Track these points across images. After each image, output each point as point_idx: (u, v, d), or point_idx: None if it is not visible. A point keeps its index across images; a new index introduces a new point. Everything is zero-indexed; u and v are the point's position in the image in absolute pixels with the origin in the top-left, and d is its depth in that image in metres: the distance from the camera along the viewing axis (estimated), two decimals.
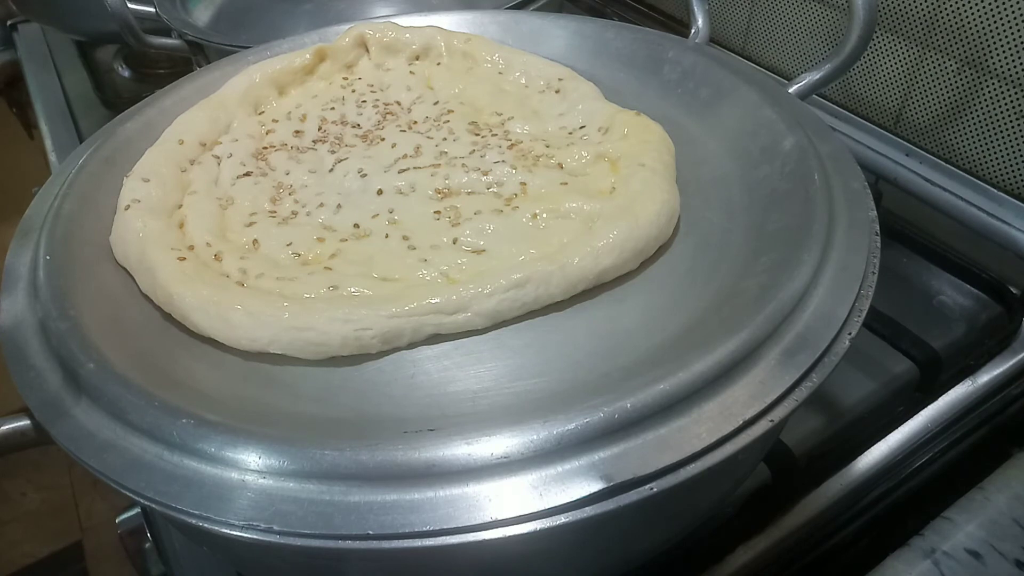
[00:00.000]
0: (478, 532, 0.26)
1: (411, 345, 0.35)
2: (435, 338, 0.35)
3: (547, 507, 0.26)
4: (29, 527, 0.55)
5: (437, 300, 0.34)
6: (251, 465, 0.27)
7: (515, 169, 0.42)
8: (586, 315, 0.36)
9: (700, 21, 0.57)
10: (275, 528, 0.26)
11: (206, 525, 0.26)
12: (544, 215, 0.39)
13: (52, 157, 0.77)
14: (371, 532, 0.25)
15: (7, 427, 0.31)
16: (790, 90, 0.48)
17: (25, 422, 0.31)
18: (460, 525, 0.26)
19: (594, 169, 0.43)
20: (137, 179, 0.42)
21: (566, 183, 0.41)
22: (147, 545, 0.44)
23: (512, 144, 0.45)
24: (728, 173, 0.43)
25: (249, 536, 0.26)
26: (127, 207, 0.40)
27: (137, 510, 0.44)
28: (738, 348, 0.30)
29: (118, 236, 0.39)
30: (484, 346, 0.35)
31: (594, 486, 0.26)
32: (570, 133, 0.46)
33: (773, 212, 0.38)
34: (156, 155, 0.44)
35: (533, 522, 0.26)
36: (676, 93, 0.49)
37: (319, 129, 0.48)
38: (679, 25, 0.84)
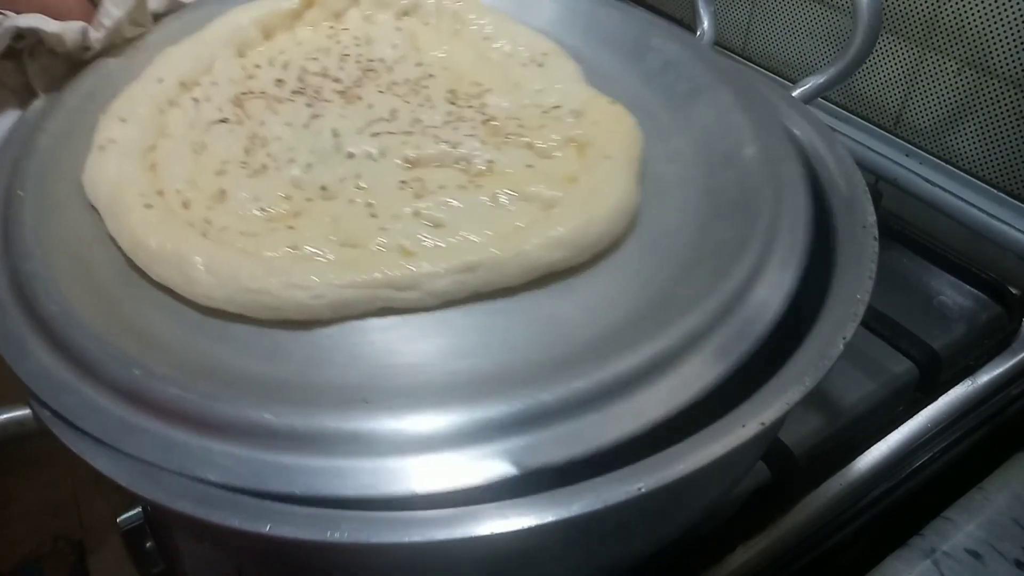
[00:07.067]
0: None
1: (362, 315, 0.37)
2: (385, 311, 0.37)
3: (461, 486, 0.29)
4: (29, 527, 0.57)
5: (390, 275, 0.36)
6: (195, 419, 0.29)
7: (485, 145, 0.43)
8: (531, 303, 0.38)
9: (706, 23, 0.56)
10: (211, 478, 0.28)
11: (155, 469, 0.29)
12: (505, 197, 0.40)
13: None
14: (297, 492, 0.28)
15: (5, 416, 0.31)
16: (794, 93, 0.48)
17: (24, 411, 0.31)
18: (379, 494, 0.28)
19: (562, 153, 0.44)
20: (114, 118, 0.42)
21: (532, 165, 0.42)
22: (148, 544, 0.44)
23: (486, 119, 0.45)
24: (691, 175, 0.44)
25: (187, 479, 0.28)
26: (102, 147, 0.41)
27: (138, 509, 0.44)
28: (667, 347, 0.32)
29: (90, 176, 0.40)
30: (430, 322, 0.37)
31: (507, 470, 0.29)
32: (544, 112, 0.47)
33: (721, 220, 0.40)
34: (134, 94, 0.44)
35: (521, 517, 0.27)
36: (656, 83, 0.49)
37: (299, 80, 0.48)
38: (683, 27, 0.80)
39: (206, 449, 0.29)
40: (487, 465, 0.29)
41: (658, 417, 0.31)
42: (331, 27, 0.52)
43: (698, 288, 0.36)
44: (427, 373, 0.34)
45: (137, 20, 0.48)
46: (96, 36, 0.45)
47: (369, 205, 0.40)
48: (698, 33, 0.56)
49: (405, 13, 0.53)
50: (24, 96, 0.48)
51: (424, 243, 0.38)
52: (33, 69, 0.47)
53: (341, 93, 0.47)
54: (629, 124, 0.44)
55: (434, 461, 0.29)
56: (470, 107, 0.46)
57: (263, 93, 0.47)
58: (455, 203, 0.40)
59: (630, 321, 0.36)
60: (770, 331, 0.34)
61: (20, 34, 0.45)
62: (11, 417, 0.31)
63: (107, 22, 0.45)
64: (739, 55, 0.75)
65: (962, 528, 0.40)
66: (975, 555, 0.39)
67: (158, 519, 0.44)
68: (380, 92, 0.47)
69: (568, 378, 0.31)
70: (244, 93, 0.47)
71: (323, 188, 0.41)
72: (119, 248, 0.38)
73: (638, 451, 0.29)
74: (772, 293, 0.35)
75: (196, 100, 0.46)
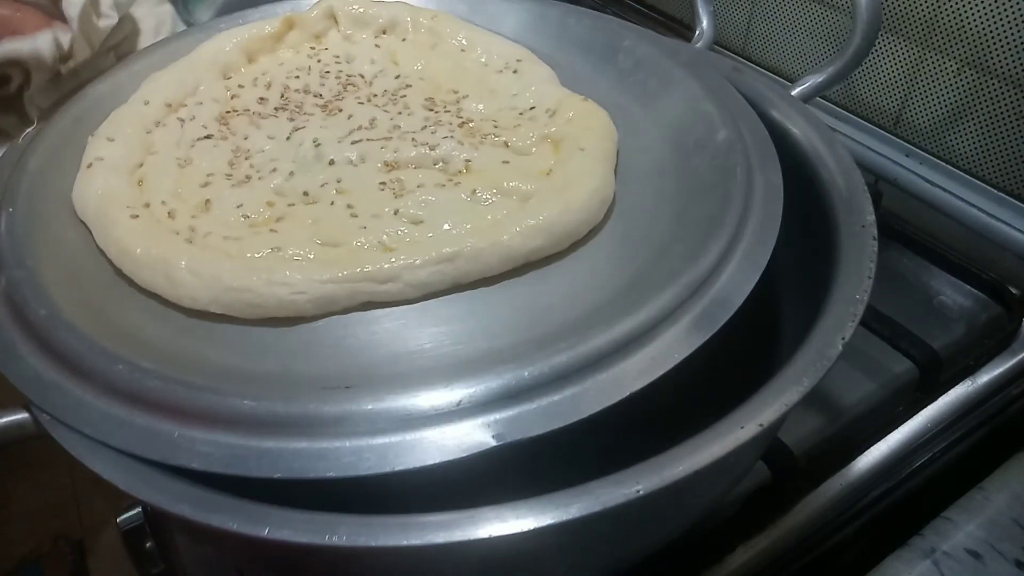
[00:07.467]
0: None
1: (345, 310, 0.37)
2: (368, 305, 0.37)
3: (440, 460, 0.29)
4: (29, 527, 0.57)
5: (370, 268, 0.37)
6: (178, 410, 0.30)
7: (462, 145, 0.44)
8: (511, 291, 0.38)
9: (705, 23, 0.57)
10: (194, 466, 0.28)
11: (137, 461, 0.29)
12: (483, 192, 0.41)
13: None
14: (279, 475, 0.28)
15: (5, 419, 0.32)
16: (793, 92, 0.49)
17: (23, 415, 0.32)
18: (360, 473, 0.28)
19: (538, 150, 0.45)
20: (102, 138, 0.44)
21: (508, 162, 0.43)
22: (148, 544, 0.44)
23: (463, 122, 0.47)
24: (665, 163, 0.45)
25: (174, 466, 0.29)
26: (90, 165, 0.42)
27: (138, 509, 0.44)
28: (644, 321, 0.33)
29: (79, 192, 0.41)
30: (413, 314, 0.37)
31: (487, 443, 0.29)
32: (520, 114, 0.48)
33: (696, 202, 0.40)
34: (122, 115, 0.46)
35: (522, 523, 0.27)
36: (628, 81, 0.50)
37: (282, 97, 0.50)
38: (682, 27, 0.83)
39: (189, 438, 0.29)
40: (468, 439, 0.29)
41: (637, 388, 0.31)
42: (312, 48, 0.54)
43: (675, 266, 0.36)
44: (410, 360, 0.35)
45: (98, 9, 0.49)
46: (66, 38, 0.46)
47: (349, 207, 0.41)
48: (697, 33, 0.57)
49: (383, 31, 0.55)
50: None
51: (404, 238, 0.39)
52: (27, 101, 0.49)
53: (322, 107, 0.49)
54: (602, 118, 0.45)
55: (415, 438, 0.29)
56: (447, 112, 0.47)
57: (246, 110, 0.49)
58: (434, 200, 0.41)
59: (609, 301, 0.36)
60: (746, 303, 0.34)
61: (5, 76, 0.47)
62: (11, 421, 0.32)
63: (72, 12, 0.46)
64: (739, 55, 0.76)
65: (962, 528, 0.40)
66: (975, 555, 0.38)
67: (158, 519, 0.44)
68: (360, 104, 0.49)
69: (548, 354, 0.31)
70: (228, 112, 0.49)
71: (305, 194, 0.42)
72: (107, 259, 0.39)
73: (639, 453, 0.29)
74: (748, 265, 0.36)
75: (182, 120, 0.47)
